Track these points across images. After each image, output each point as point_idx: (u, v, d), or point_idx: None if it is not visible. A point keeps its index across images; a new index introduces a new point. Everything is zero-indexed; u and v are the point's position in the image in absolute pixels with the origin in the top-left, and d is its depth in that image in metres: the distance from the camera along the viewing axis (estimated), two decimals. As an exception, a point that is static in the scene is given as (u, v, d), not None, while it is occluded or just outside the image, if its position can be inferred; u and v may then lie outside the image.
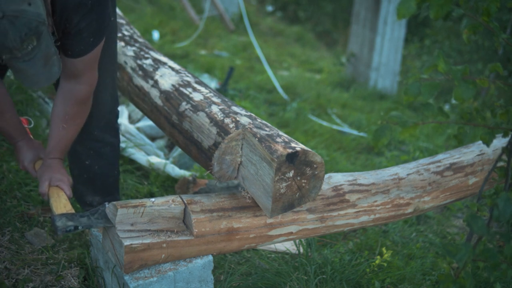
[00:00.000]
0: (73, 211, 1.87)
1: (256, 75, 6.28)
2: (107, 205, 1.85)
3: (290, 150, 1.72)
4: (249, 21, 7.52)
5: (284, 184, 1.76)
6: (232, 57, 6.89)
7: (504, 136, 1.67)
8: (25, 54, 1.58)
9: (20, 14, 1.51)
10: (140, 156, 3.13)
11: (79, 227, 1.81)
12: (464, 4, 1.55)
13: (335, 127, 5.18)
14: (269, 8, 11.62)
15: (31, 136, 2.18)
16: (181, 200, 1.89)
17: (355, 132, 5.10)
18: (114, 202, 1.82)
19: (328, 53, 9.53)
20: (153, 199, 1.86)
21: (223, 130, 1.88)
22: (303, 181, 1.79)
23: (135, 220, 1.82)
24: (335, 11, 11.36)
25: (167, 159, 3.36)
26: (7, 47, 1.53)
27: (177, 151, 3.43)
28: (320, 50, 9.61)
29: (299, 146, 1.76)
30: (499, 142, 2.49)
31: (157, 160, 3.12)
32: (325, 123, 5.20)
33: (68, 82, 1.94)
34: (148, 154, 3.27)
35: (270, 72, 6.12)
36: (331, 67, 7.94)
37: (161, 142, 3.62)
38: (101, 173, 2.23)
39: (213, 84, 5.35)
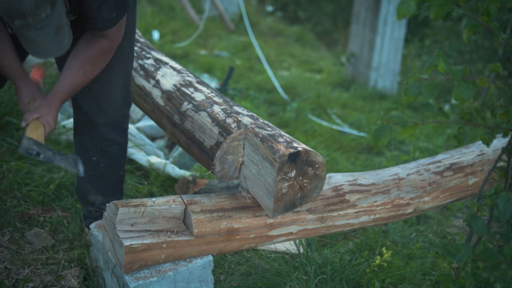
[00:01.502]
0: (43, 143, 1.86)
1: (256, 75, 6.29)
2: (107, 204, 1.86)
3: (292, 150, 1.72)
4: (249, 21, 7.52)
5: (286, 184, 1.76)
6: (232, 57, 6.89)
7: (504, 136, 1.67)
8: (37, 21, 1.56)
9: None
10: (140, 156, 3.13)
11: (41, 156, 1.80)
12: (464, 4, 1.55)
13: (335, 127, 5.18)
14: (269, 8, 11.63)
15: (39, 80, 2.14)
16: (181, 200, 1.90)
17: (355, 132, 5.10)
18: (115, 201, 1.82)
19: (328, 53, 9.53)
20: (154, 199, 1.86)
21: (225, 130, 1.88)
22: (305, 181, 1.80)
23: (135, 220, 1.82)
24: (335, 11, 11.37)
25: (167, 159, 3.36)
26: (21, 11, 1.51)
27: (177, 151, 3.43)
28: (320, 50, 9.62)
29: (301, 146, 1.76)
30: (499, 142, 2.49)
31: (157, 160, 3.12)
32: (325, 123, 5.20)
33: (93, 35, 1.91)
34: (148, 154, 3.27)
35: (270, 72, 6.12)
36: (331, 67, 7.94)
37: (161, 142, 3.62)
38: (107, 171, 2.23)
39: (213, 84, 5.35)
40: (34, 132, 1.87)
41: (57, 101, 1.93)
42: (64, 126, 3.09)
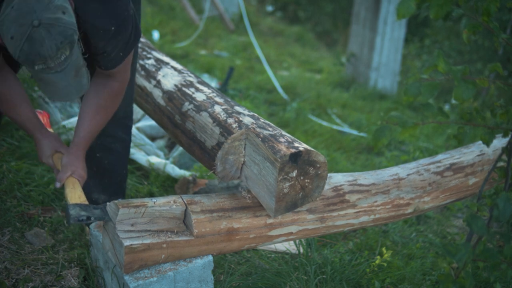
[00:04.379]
0: (87, 202, 1.88)
1: (256, 75, 6.29)
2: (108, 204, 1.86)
3: (293, 150, 1.72)
4: (249, 21, 7.52)
5: (287, 184, 1.76)
6: (232, 57, 6.89)
7: (504, 136, 1.67)
8: (57, 64, 1.58)
9: (55, 22, 1.52)
10: (140, 156, 3.13)
11: (92, 218, 1.81)
12: (464, 4, 1.55)
13: (335, 127, 5.18)
14: (269, 8, 11.63)
15: (50, 128, 2.17)
16: (182, 201, 1.90)
17: (355, 132, 5.10)
18: (116, 201, 1.82)
19: (328, 53, 9.53)
20: (154, 199, 1.86)
21: (226, 130, 1.88)
22: (306, 180, 1.80)
23: (135, 220, 1.82)
24: (335, 11, 11.37)
25: (167, 159, 3.36)
26: (43, 55, 1.53)
27: (177, 151, 3.43)
28: (320, 50, 9.62)
29: (302, 146, 1.76)
30: (499, 142, 2.49)
31: (157, 160, 3.12)
32: (325, 123, 5.20)
33: (101, 78, 1.95)
34: (148, 154, 3.27)
35: (270, 72, 6.12)
36: (331, 67, 7.94)
37: (161, 142, 3.62)
38: (110, 169, 2.24)
39: (213, 84, 5.35)
40: (74, 193, 1.90)
41: (81, 151, 2.00)
42: (64, 126, 3.09)
